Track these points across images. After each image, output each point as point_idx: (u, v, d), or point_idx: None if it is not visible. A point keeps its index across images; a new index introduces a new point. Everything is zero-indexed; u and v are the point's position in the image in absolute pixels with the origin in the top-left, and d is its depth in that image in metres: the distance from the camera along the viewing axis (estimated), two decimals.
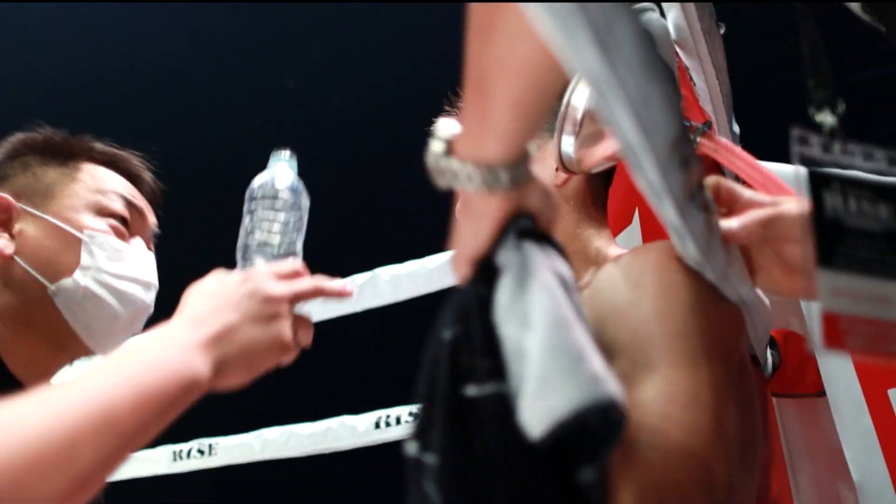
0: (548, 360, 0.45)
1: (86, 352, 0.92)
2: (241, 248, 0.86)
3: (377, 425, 2.04)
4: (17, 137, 0.97)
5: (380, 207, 4.11)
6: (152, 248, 1.00)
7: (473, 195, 0.53)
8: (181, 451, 2.31)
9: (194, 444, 2.30)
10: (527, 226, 0.52)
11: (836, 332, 0.44)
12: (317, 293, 0.78)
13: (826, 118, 0.50)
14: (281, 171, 0.89)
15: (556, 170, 0.86)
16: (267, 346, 0.71)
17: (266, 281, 0.74)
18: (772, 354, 1.50)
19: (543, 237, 0.53)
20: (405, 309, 2.09)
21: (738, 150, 1.12)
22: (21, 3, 4.06)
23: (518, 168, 0.52)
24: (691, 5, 1.26)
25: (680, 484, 0.52)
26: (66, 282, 0.88)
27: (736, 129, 1.51)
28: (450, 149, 0.54)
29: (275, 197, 0.87)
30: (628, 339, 0.61)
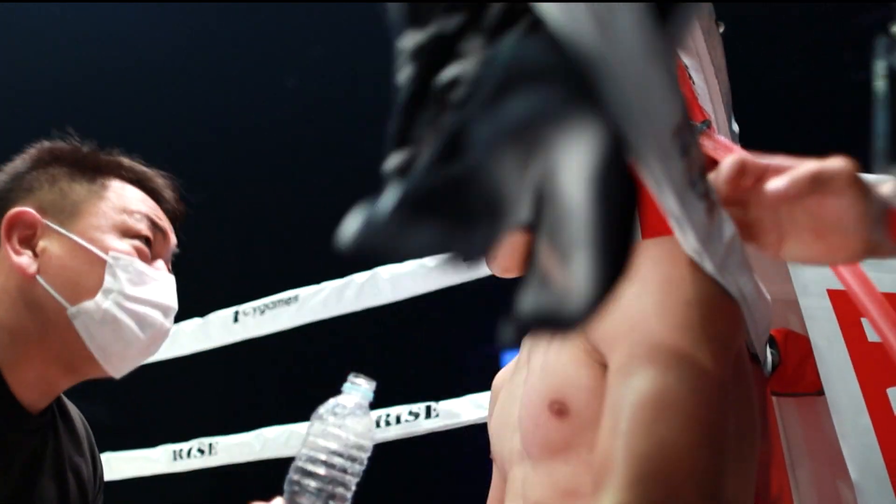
0: None
1: (99, 373, 0.89)
2: (296, 472, 0.83)
3: (377, 424, 2.04)
4: (45, 147, 0.93)
5: None
6: (170, 267, 0.97)
7: None
8: (181, 450, 2.32)
9: (194, 444, 2.31)
10: None
11: None
12: None
13: None
14: (357, 419, 0.87)
15: None
16: None
17: None
18: (771, 353, 1.50)
19: None
20: (405, 309, 2.09)
21: (738, 148, 1.12)
22: (21, 3, 4.06)
23: None
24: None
25: (669, 476, 0.53)
26: (88, 304, 0.85)
27: (735, 127, 1.51)
28: None
29: (352, 455, 0.84)
30: (627, 331, 0.61)
